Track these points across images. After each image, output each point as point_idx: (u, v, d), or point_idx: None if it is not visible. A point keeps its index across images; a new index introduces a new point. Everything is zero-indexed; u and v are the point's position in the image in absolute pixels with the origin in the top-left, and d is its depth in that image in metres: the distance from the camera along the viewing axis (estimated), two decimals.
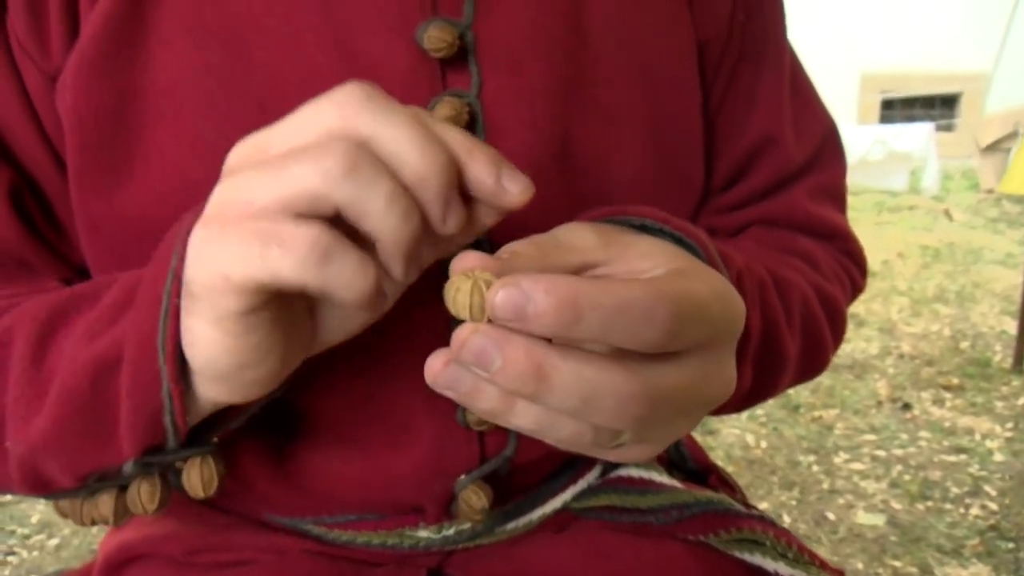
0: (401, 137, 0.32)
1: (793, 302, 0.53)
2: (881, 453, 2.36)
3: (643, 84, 0.52)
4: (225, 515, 0.57)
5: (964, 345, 3.22)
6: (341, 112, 0.33)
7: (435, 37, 0.46)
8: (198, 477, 0.40)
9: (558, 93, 0.50)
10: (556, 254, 0.36)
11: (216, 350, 0.34)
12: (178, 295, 0.34)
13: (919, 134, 6.36)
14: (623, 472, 0.60)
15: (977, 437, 2.44)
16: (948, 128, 7.17)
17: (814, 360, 0.58)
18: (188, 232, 0.35)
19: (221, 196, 0.33)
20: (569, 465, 0.59)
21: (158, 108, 0.46)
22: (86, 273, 0.51)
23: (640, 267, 0.36)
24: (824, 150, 0.63)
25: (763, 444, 2.41)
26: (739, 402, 0.53)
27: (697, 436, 2.43)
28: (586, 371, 0.31)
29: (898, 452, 2.36)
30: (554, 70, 0.50)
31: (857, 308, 3.73)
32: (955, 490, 2.15)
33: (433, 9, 0.47)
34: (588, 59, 0.51)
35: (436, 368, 0.33)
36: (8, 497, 2.30)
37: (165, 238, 0.38)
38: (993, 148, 6.30)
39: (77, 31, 0.46)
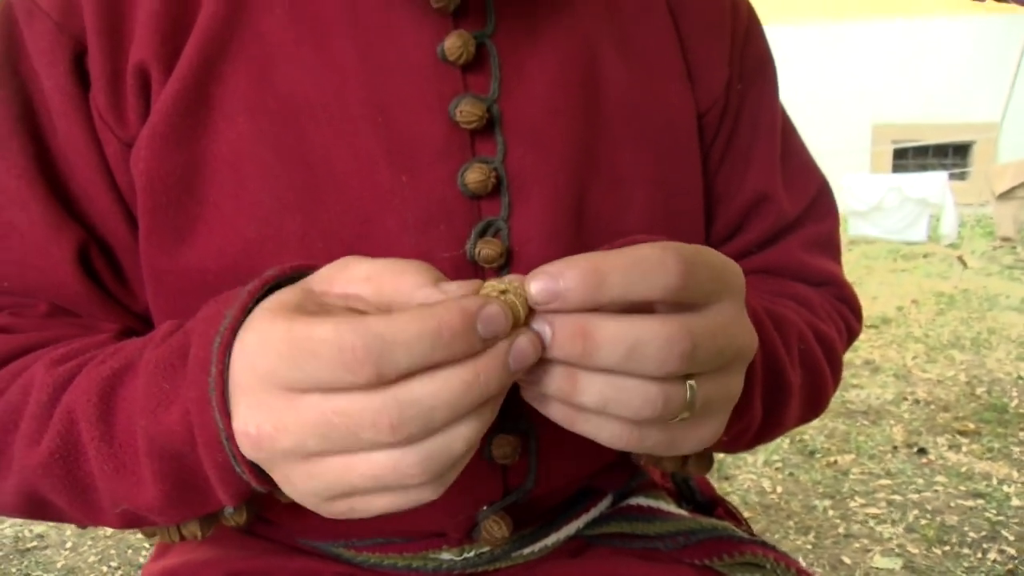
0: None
1: (791, 337, 0.58)
2: (897, 498, 2.37)
3: (650, 150, 0.59)
4: (262, 541, 0.63)
5: (980, 391, 3.23)
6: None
7: (466, 112, 0.53)
8: (235, 519, 0.46)
9: (575, 159, 0.56)
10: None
11: None
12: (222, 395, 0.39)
13: (934, 182, 6.42)
14: (633, 501, 0.65)
15: (994, 482, 2.45)
16: (961, 177, 7.21)
17: (816, 395, 0.62)
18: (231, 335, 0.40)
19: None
20: (583, 494, 0.64)
21: (220, 175, 0.52)
22: (146, 319, 0.57)
23: None
24: (817, 204, 0.68)
25: (779, 489, 2.42)
26: (752, 437, 0.57)
27: (713, 481, 2.45)
28: (625, 324, 0.36)
29: (914, 497, 2.37)
30: (571, 138, 0.56)
31: (872, 354, 3.75)
32: (972, 535, 2.15)
33: (464, 86, 0.54)
34: (601, 128, 0.57)
35: (513, 358, 0.36)
36: (33, 543, 2.35)
37: (202, 317, 0.43)
38: (1008, 196, 6.33)
39: (149, 105, 0.53)
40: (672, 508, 0.65)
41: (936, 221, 6.52)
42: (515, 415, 0.54)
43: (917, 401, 3.14)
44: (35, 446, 0.46)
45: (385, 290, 0.38)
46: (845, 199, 6.56)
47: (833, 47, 7.82)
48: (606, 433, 0.40)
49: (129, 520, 0.47)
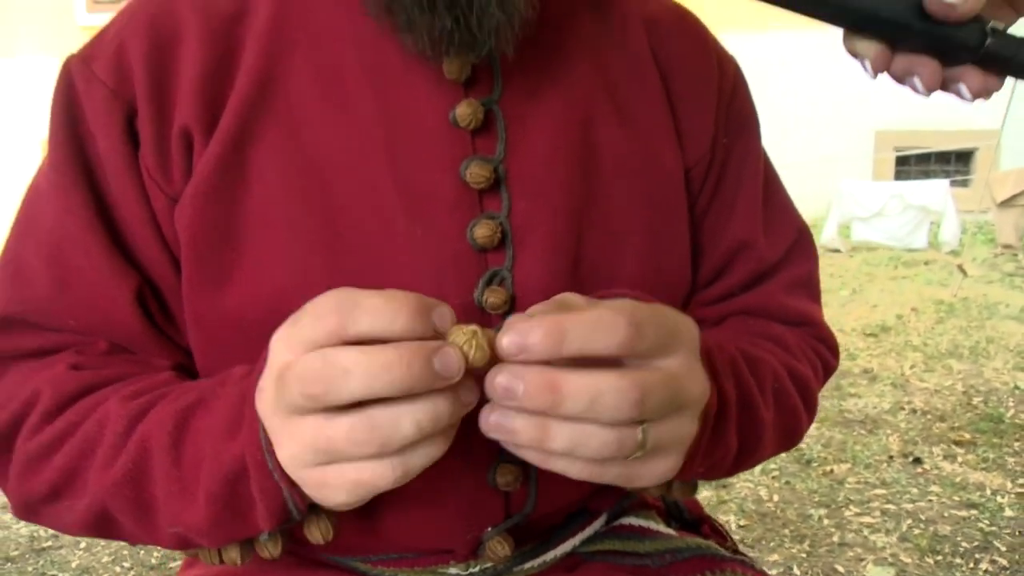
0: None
1: (765, 376, 0.64)
2: (891, 507, 2.42)
3: (641, 203, 0.64)
4: (289, 557, 0.69)
5: (976, 400, 3.28)
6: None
7: (475, 173, 0.59)
8: (318, 530, 0.52)
9: (572, 213, 0.62)
10: (556, 309, 0.47)
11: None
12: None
13: (935, 190, 6.47)
14: (625, 521, 0.71)
15: (988, 492, 2.50)
16: (964, 183, 7.25)
17: (790, 427, 0.68)
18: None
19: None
20: (579, 514, 0.70)
21: (254, 228, 0.58)
22: (189, 353, 0.64)
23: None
24: (796, 248, 0.74)
25: (775, 498, 2.48)
26: (729, 467, 0.62)
27: (711, 490, 2.51)
28: (586, 377, 0.43)
29: (908, 506, 2.42)
30: (569, 194, 0.62)
31: (871, 363, 3.80)
32: (965, 545, 2.21)
33: (473, 149, 0.60)
34: (597, 185, 0.63)
35: (488, 419, 0.44)
36: (48, 543, 2.41)
37: (259, 363, 0.50)
38: (1009, 203, 6.37)
39: (192, 165, 0.59)
40: (661, 527, 0.71)
41: (937, 228, 6.57)
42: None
43: (914, 410, 3.19)
44: (109, 470, 0.53)
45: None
46: (848, 205, 6.61)
47: (836, 53, 7.86)
48: (574, 470, 0.46)
49: (181, 541, 0.53)
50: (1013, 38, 0.46)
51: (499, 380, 0.43)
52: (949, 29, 0.45)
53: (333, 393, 0.41)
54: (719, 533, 0.79)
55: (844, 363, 3.82)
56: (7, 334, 0.61)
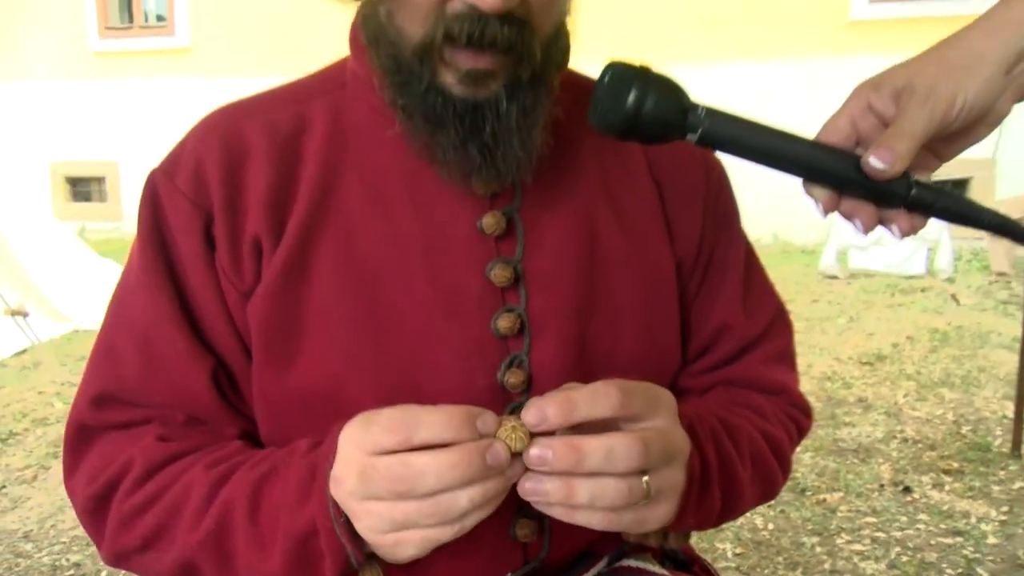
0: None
1: (742, 441, 0.76)
2: (881, 535, 2.52)
3: (638, 294, 0.77)
4: None
5: (966, 429, 3.38)
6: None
7: (498, 274, 0.71)
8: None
9: (580, 304, 0.74)
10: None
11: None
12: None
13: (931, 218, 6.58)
14: (624, 563, 0.83)
15: (973, 520, 2.60)
16: None
17: (766, 484, 0.80)
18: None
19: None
20: (584, 557, 0.81)
21: (314, 320, 0.70)
22: (254, 422, 0.75)
23: None
24: (773, 325, 0.86)
25: (770, 526, 2.58)
26: (716, 519, 0.74)
27: None
28: (600, 439, 0.55)
29: (897, 534, 2.52)
30: (577, 287, 0.74)
31: (866, 392, 3.90)
32: (950, 571, 2.31)
33: (497, 252, 0.72)
34: (600, 280, 0.75)
35: (524, 486, 0.57)
36: (70, 571, 2.51)
37: (326, 441, 0.61)
38: None
39: (261, 266, 0.71)
40: (655, 568, 0.83)
41: (934, 255, 6.68)
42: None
43: (906, 439, 3.29)
44: (196, 528, 0.65)
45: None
46: (845, 233, 6.72)
47: (832, 83, 8.01)
48: (595, 520, 0.58)
49: None
50: (932, 188, 0.58)
51: (533, 452, 0.55)
52: (882, 184, 0.57)
53: (417, 489, 0.54)
54: (708, 572, 0.91)
55: (839, 392, 3.92)
56: (100, 409, 0.73)
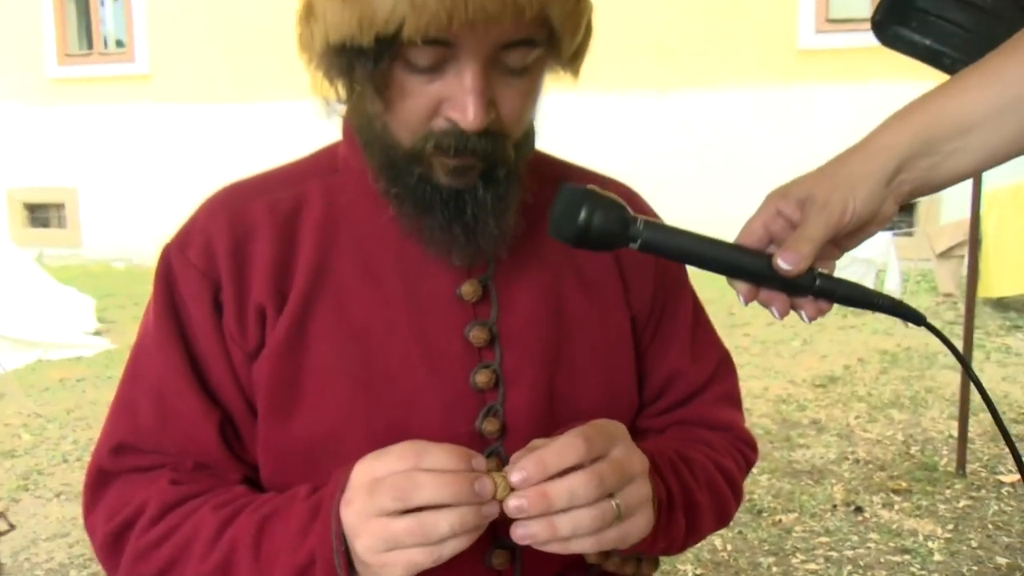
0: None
1: (698, 471, 0.86)
2: (834, 554, 2.64)
3: (599, 348, 0.86)
4: None
5: (915, 449, 3.54)
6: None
7: (475, 335, 0.80)
8: None
9: (547, 360, 0.83)
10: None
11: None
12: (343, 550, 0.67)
13: (879, 242, 6.85)
14: None
15: (920, 538, 2.73)
16: (909, 234, 7.64)
17: (721, 510, 0.90)
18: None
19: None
20: None
21: (313, 379, 0.78)
22: (255, 467, 0.83)
23: None
24: (718, 371, 0.96)
25: (728, 547, 2.69)
26: (681, 543, 0.84)
27: None
28: (563, 481, 0.64)
29: (849, 553, 2.64)
30: (546, 345, 0.83)
31: (819, 414, 4.05)
32: None
33: (474, 315, 0.81)
34: (566, 337, 0.84)
35: (516, 532, 0.65)
36: None
37: (330, 483, 0.70)
38: (947, 255, 6.74)
39: (264, 330, 0.79)
40: None
41: (883, 277, 6.92)
42: (506, 535, 0.80)
43: (857, 460, 3.43)
44: (204, 561, 0.73)
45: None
46: None
47: (781, 111, 8.28)
48: (586, 546, 0.67)
49: None
50: (833, 279, 0.69)
51: (511, 504, 0.65)
52: (790, 278, 0.67)
53: (414, 498, 0.63)
54: None
55: (794, 414, 4.06)
56: (119, 456, 0.81)
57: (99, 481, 0.81)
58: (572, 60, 0.76)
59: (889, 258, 6.81)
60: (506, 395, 0.81)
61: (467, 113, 0.68)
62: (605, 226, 0.67)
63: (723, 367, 0.97)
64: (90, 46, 10.41)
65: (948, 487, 3.14)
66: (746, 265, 0.68)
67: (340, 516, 0.67)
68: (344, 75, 0.72)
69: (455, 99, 0.69)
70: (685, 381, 0.92)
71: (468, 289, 0.81)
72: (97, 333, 6.06)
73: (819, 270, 0.68)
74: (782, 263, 0.66)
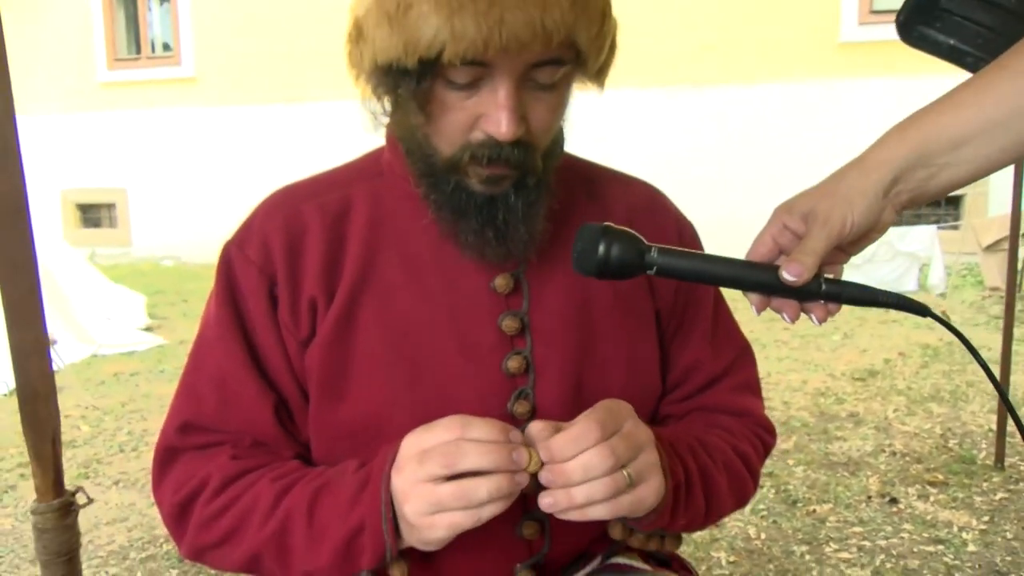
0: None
1: (716, 453, 0.92)
2: (867, 543, 2.67)
3: (624, 338, 0.93)
4: None
5: (952, 443, 3.54)
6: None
7: (508, 324, 0.88)
8: (398, 570, 0.79)
9: (576, 347, 0.90)
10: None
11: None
12: (392, 519, 0.76)
13: (923, 236, 6.79)
14: (614, 560, 0.99)
15: (955, 529, 2.75)
16: (954, 227, 7.54)
17: (739, 491, 0.96)
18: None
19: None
20: (581, 557, 0.97)
21: (360, 365, 0.87)
22: (306, 446, 0.92)
23: None
24: (737, 360, 1.02)
25: (762, 536, 2.73)
26: (702, 520, 0.91)
27: (705, 530, 2.76)
28: (577, 460, 0.73)
29: (882, 543, 2.67)
30: (574, 334, 0.90)
31: (857, 407, 4.06)
32: None
33: (507, 306, 0.89)
34: (592, 328, 0.92)
35: (541, 501, 0.74)
36: None
37: (379, 456, 0.79)
38: (994, 248, 6.65)
39: (316, 320, 0.88)
40: (640, 564, 0.99)
41: (927, 271, 6.86)
42: (535, 507, 0.88)
43: (894, 453, 3.44)
44: (263, 528, 0.82)
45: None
46: None
47: (823, 105, 8.21)
48: (602, 512, 0.75)
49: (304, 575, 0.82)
50: (838, 282, 0.75)
51: (541, 476, 0.73)
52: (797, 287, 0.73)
53: (460, 463, 0.72)
54: (686, 568, 1.07)
55: (832, 407, 4.08)
56: (184, 435, 0.90)
57: (166, 458, 0.91)
58: (598, 75, 0.83)
59: (933, 252, 6.74)
60: (536, 380, 0.89)
61: (501, 126, 0.76)
62: (623, 258, 0.75)
63: (742, 358, 1.03)
64: (138, 50, 10.70)
65: (985, 480, 3.14)
66: (755, 279, 0.75)
67: (390, 484, 0.76)
68: (390, 91, 0.80)
69: (490, 114, 0.77)
70: (704, 370, 0.99)
71: (501, 282, 0.88)
72: (148, 329, 6.26)
73: (825, 275, 0.74)
74: (787, 275, 0.72)
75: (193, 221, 10.05)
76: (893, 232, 6.96)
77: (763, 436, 1.03)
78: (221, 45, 9.98)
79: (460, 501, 0.72)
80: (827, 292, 0.74)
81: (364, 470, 0.80)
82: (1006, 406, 0.82)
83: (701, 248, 1.03)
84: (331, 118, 8.25)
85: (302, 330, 0.88)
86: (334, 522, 0.79)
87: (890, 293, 0.76)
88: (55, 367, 4.18)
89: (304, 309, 0.88)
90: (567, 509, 0.74)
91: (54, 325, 4.72)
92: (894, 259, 6.83)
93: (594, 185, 0.99)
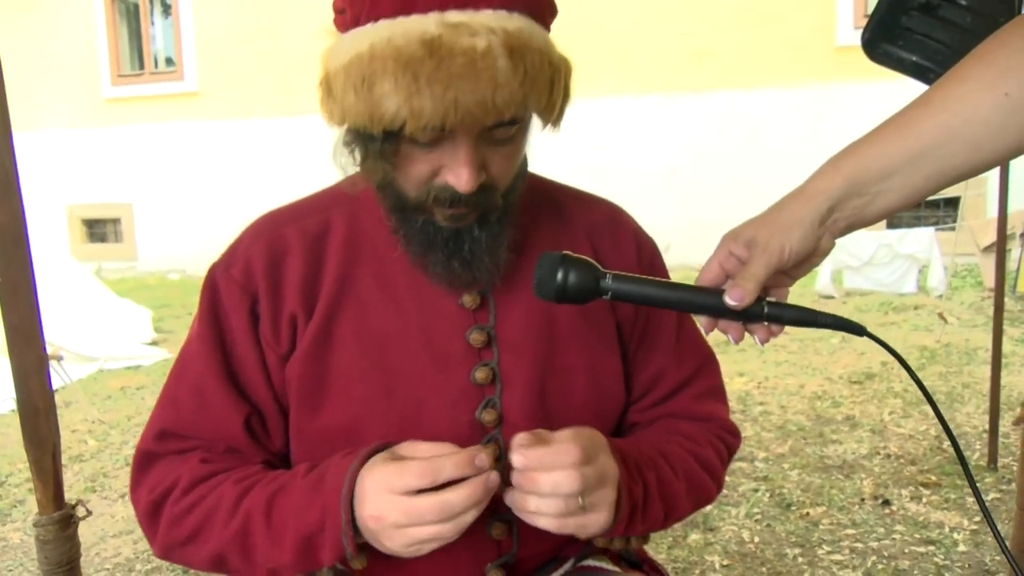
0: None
1: (675, 461, 0.98)
2: (859, 545, 2.71)
3: (586, 350, 0.98)
4: None
5: (947, 444, 3.56)
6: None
7: (475, 338, 0.93)
8: (358, 562, 0.84)
9: (540, 361, 0.96)
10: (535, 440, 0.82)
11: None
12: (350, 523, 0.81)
13: (922, 238, 6.82)
14: (586, 563, 1.04)
15: (946, 530, 2.78)
16: (953, 228, 7.57)
17: (699, 494, 1.01)
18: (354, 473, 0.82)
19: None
20: (553, 560, 1.02)
21: (337, 377, 0.92)
22: (278, 455, 0.97)
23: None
24: (702, 369, 1.08)
25: (756, 539, 2.77)
26: (661, 524, 0.97)
27: (699, 534, 2.81)
28: (548, 475, 0.79)
29: (874, 544, 2.71)
30: (538, 348, 0.96)
31: (853, 410, 4.10)
32: None
33: (474, 320, 0.94)
34: (556, 341, 0.97)
35: (506, 496, 0.80)
36: None
37: (332, 465, 0.85)
38: (992, 249, 6.68)
39: (295, 335, 0.93)
40: (611, 567, 1.04)
41: (926, 273, 6.89)
42: (505, 510, 0.93)
43: (888, 455, 3.48)
44: (226, 527, 0.88)
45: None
46: (839, 255, 6.95)
47: (820, 109, 8.26)
48: (546, 524, 0.81)
49: (271, 573, 0.88)
50: (780, 305, 0.80)
51: (513, 476, 0.80)
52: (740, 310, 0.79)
53: (440, 477, 0.78)
54: (657, 571, 1.12)
55: (829, 411, 4.12)
56: (162, 441, 0.96)
57: (144, 462, 0.97)
58: (555, 121, 0.88)
59: (932, 254, 6.78)
60: (503, 390, 0.94)
61: (460, 180, 0.83)
62: (579, 284, 0.81)
63: (706, 366, 1.08)
64: (142, 66, 10.81)
65: (978, 480, 3.17)
66: (702, 302, 0.80)
67: (353, 485, 0.82)
68: (359, 145, 0.86)
69: (451, 168, 0.83)
70: (669, 378, 1.05)
71: (468, 299, 0.94)
72: (154, 343, 6.33)
73: (768, 298, 0.79)
74: (729, 300, 0.78)
75: (198, 234, 10.14)
76: (892, 234, 7.01)
77: (727, 439, 1.08)
78: (224, 59, 10.09)
79: (438, 515, 0.78)
80: (769, 315, 0.79)
81: (314, 476, 0.87)
82: (939, 418, 0.86)
83: (661, 261, 1.08)
84: (333, 131, 8.33)
85: (282, 345, 0.94)
86: (290, 523, 0.85)
87: (828, 315, 0.81)
88: (61, 382, 4.26)
89: (285, 325, 0.93)
90: (520, 511, 0.80)
91: (60, 340, 4.80)
92: (893, 261, 6.87)
93: (557, 205, 1.04)
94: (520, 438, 0.81)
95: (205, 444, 0.95)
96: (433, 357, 0.93)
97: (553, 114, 0.85)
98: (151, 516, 0.94)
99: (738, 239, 0.81)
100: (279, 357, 0.94)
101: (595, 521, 0.83)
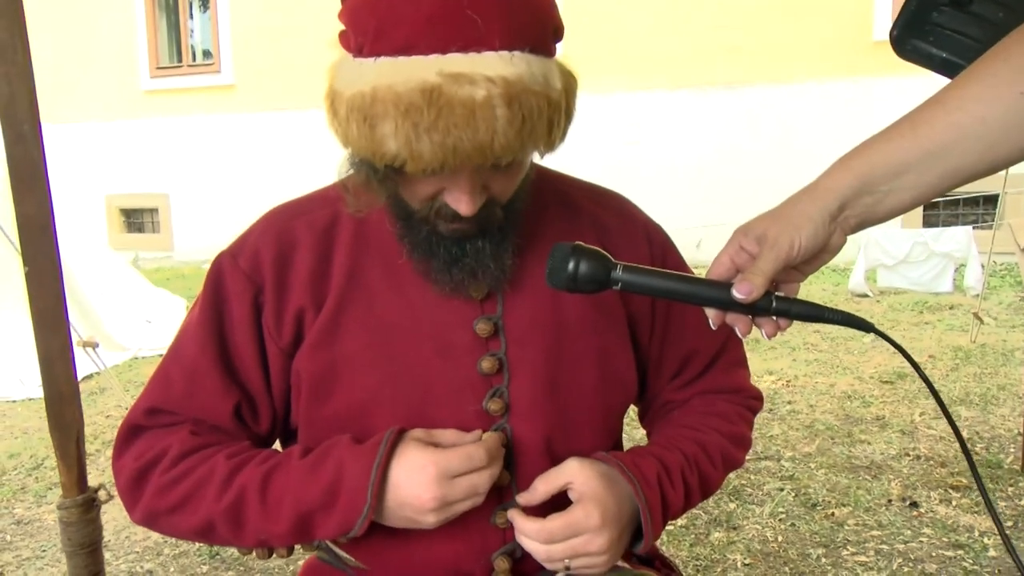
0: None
1: (712, 450, 1.02)
2: (885, 547, 2.68)
3: (595, 341, 0.99)
4: None
5: (979, 447, 3.51)
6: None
7: (482, 327, 0.94)
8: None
9: (547, 349, 0.96)
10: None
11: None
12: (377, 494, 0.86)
13: (959, 236, 6.70)
14: None
15: (976, 534, 2.74)
16: (991, 226, 7.42)
17: (731, 467, 1.06)
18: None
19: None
20: None
21: (346, 366, 0.94)
22: (259, 438, 1.00)
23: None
24: (728, 343, 1.09)
25: (779, 539, 2.75)
26: (676, 514, 0.99)
27: (722, 532, 2.79)
28: (567, 544, 0.90)
29: (901, 547, 2.68)
30: (546, 337, 0.96)
31: (883, 410, 4.04)
32: None
33: (481, 311, 0.95)
34: (564, 331, 0.97)
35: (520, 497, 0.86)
36: None
37: (340, 447, 0.89)
38: None
39: (300, 330, 0.95)
40: (621, 563, 1.03)
41: (963, 272, 6.77)
42: (509, 499, 0.94)
43: (918, 457, 3.43)
44: (218, 501, 0.90)
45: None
46: (874, 253, 6.85)
47: (856, 104, 8.14)
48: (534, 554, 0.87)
49: (259, 544, 0.92)
50: (788, 299, 0.79)
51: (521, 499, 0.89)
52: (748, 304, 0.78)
53: (477, 463, 0.85)
54: (669, 567, 1.12)
55: (858, 411, 4.07)
56: (151, 416, 0.98)
57: (129, 434, 0.99)
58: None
59: (969, 252, 6.65)
60: (510, 379, 0.95)
61: (461, 206, 0.85)
62: (590, 273, 0.81)
63: (732, 336, 1.10)
64: (179, 59, 10.96)
65: (1011, 484, 3.12)
66: (710, 295, 0.80)
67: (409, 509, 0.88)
68: (364, 167, 0.86)
69: (453, 193, 0.85)
70: (702, 356, 1.08)
71: (476, 289, 0.95)
72: None
73: (776, 293, 0.79)
74: (736, 293, 0.78)
75: (233, 225, 10.18)
76: (928, 232, 6.89)
77: (752, 404, 1.12)
78: (260, 53, 10.19)
79: (468, 492, 0.86)
80: (777, 309, 0.79)
81: (317, 453, 0.92)
82: (949, 422, 0.85)
83: (675, 253, 1.08)
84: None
85: (284, 337, 0.95)
86: (288, 498, 0.88)
87: (835, 311, 0.81)
88: (96, 369, 4.33)
89: (289, 318, 0.95)
90: (516, 532, 0.91)
91: (96, 328, 4.90)
92: (929, 259, 6.76)
93: (566, 199, 1.04)
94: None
95: (193, 420, 0.98)
96: (440, 347, 0.94)
97: (553, 148, 0.85)
98: (135, 482, 0.95)
99: (749, 234, 0.81)
100: (280, 349, 0.96)
101: (597, 564, 0.91)
